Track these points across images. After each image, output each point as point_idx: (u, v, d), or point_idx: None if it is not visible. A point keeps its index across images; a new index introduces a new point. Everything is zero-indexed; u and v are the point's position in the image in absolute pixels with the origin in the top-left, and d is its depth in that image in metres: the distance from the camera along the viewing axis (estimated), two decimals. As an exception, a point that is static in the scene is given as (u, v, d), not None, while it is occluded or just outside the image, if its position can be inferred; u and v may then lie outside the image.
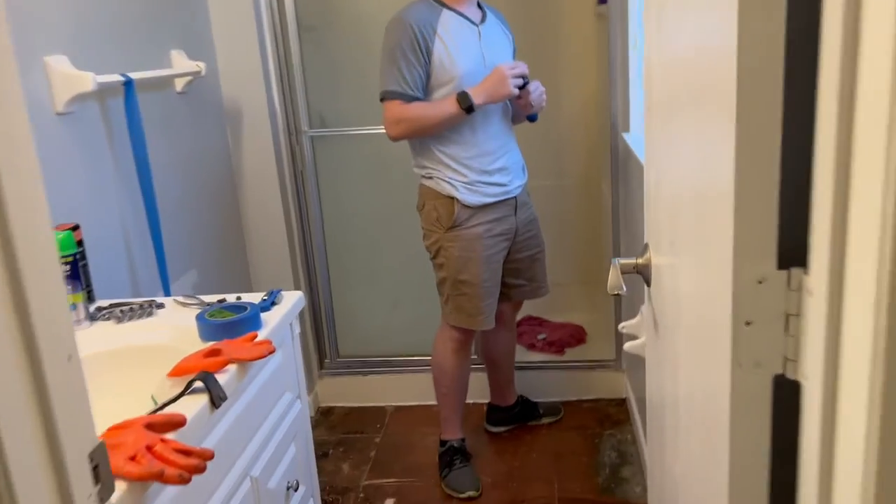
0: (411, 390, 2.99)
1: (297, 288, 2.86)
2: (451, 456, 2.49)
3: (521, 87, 2.19)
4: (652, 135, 1.20)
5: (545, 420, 2.79)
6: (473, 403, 2.94)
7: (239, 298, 1.67)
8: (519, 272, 2.46)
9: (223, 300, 1.66)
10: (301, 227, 2.85)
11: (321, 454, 2.72)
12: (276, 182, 2.72)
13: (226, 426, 1.33)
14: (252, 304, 1.52)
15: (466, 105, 2.13)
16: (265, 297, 1.63)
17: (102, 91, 1.84)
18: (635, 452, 2.58)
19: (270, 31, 2.67)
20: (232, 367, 1.32)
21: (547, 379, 2.93)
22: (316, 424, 2.93)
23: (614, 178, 2.76)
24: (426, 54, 2.15)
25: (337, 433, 2.86)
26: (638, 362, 2.70)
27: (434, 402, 2.64)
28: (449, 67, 2.16)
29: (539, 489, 2.42)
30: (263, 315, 1.56)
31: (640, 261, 1.24)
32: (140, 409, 1.30)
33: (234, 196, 2.72)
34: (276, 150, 2.71)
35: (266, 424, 1.52)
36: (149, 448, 1.01)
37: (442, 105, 2.16)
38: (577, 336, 3.28)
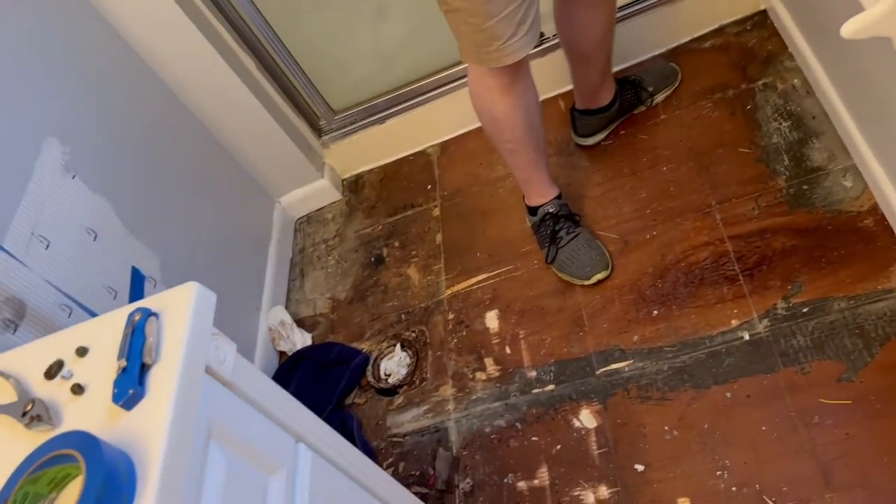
0: (448, 118, 2.06)
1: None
2: (552, 227, 1.67)
3: None
4: None
5: (658, 98, 1.85)
6: (545, 99, 2.01)
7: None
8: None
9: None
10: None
11: (374, 260, 1.97)
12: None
13: None
14: (94, 452, 0.63)
15: None
16: (124, 363, 0.72)
17: None
18: (815, 109, 1.65)
19: None
20: None
21: (635, 27, 1.89)
22: (350, 210, 2.13)
23: None
24: None
25: (381, 216, 2.06)
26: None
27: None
28: None
29: (694, 230, 1.61)
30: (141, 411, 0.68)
31: None
32: None
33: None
34: None
35: None
36: None
37: None
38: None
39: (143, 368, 0.73)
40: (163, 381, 0.72)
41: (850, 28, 1.04)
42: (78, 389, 0.76)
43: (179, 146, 1.80)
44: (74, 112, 1.50)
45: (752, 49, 1.82)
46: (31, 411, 0.75)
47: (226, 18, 1.80)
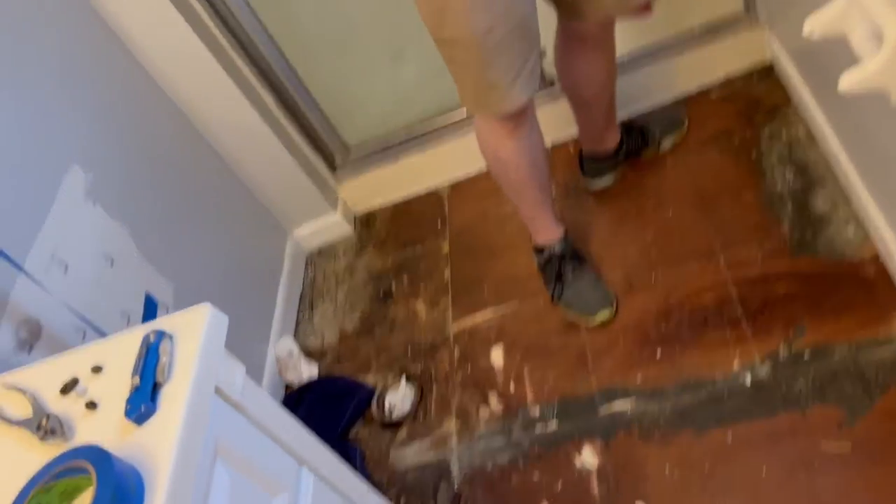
0: (461, 157, 2.11)
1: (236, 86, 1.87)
2: (557, 266, 1.70)
3: None
4: None
5: (665, 144, 1.89)
6: (554, 146, 2.06)
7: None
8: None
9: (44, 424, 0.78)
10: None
11: (383, 294, 2.00)
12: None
13: None
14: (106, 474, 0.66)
15: None
16: (137, 381, 0.75)
17: None
18: (819, 159, 1.68)
19: None
20: None
21: (644, 76, 1.94)
22: (361, 245, 2.17)
23: None
24: None
25: (390, 253, 2.10)
26: (785, 4, 1.69)
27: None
28: None
29: (698, 273, 1.64)
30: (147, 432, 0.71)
31: None
32: None
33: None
34: None
35: None
36: None
37: None
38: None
39: (156, 387, 0.76)
40: (174, 399, 0.75)
41: (847, 82, 1.08)
42: (91, 405, 0.79)
43: (197, 177, 1.85)
44: (98, 141, 1.55)
45: (759, 99, 1.86)
46: (45, 425, 0.78)
47: (247, 55, 1.86)
